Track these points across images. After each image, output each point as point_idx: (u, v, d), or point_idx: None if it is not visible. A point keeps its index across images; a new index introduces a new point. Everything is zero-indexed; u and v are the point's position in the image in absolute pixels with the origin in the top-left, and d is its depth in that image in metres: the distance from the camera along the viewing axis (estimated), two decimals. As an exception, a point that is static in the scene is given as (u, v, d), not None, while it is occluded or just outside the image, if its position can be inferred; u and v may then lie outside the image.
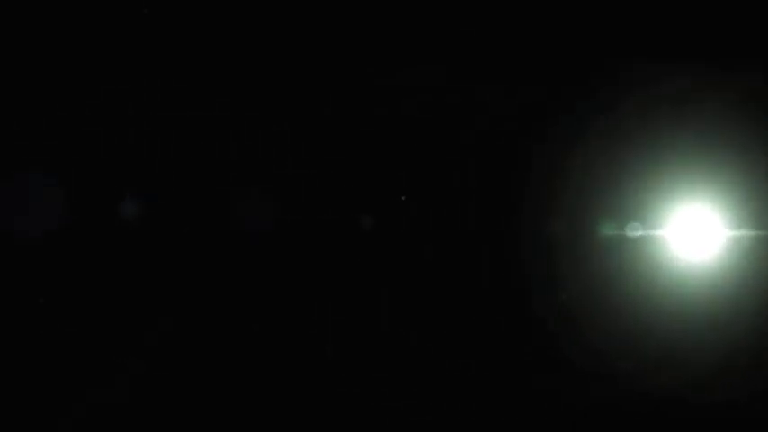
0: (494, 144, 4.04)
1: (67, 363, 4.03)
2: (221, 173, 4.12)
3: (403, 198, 3.90)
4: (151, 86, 4.08)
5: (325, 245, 4.10)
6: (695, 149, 3.92)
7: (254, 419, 4.04)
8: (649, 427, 3.89)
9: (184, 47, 4.09)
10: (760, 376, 3.87)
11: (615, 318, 3.92)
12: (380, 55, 4.06)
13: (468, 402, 3.97)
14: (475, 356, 4.01)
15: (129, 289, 4.07)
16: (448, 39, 4.05)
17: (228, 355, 4.07)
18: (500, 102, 4.01)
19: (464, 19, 4.05)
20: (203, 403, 4.05)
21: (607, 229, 3.95)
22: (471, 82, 4.04)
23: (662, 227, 3.95)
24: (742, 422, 3.87)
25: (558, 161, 3.99)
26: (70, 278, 4.08)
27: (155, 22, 4.07)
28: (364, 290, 4.07)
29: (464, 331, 4.03)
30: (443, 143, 4.07)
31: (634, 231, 3.91)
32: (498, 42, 4.03)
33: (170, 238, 4.10)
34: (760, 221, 3.90)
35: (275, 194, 4.12)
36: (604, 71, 3.97)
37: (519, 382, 3.98)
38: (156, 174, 4.10)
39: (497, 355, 4.00)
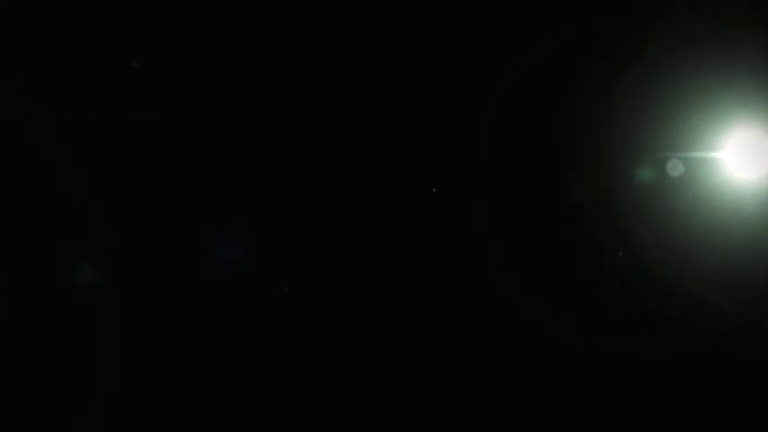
0: (522, 102, 4.02)
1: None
2: (221, 173, 4.12)
3: (434, 190, 3.90)
4: (148, 86, 4.09)
5: (325, 244, 4.11)
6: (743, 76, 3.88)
7: (254, 421, 4.04)
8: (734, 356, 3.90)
9: (184, 47, 4.10)
10: None
11: (682, 258, 3.90)
12: (380, 55, 4.08)
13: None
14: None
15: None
16: (448, 38, 4.07)
17: (228, 354, 4.07)
18: (526, 49, 3.98)
19: (463, 18, 4.07)
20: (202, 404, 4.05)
21: (647, 173, 3.91)
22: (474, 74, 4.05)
23: (712, 153, 3.89)
24: None
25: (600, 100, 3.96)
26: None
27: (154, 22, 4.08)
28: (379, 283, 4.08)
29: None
30: (446, 141, 4.09)
31: (675, 170, 3.88)
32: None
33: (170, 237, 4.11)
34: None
35: (275, 194, 4.13)
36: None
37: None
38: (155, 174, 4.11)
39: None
